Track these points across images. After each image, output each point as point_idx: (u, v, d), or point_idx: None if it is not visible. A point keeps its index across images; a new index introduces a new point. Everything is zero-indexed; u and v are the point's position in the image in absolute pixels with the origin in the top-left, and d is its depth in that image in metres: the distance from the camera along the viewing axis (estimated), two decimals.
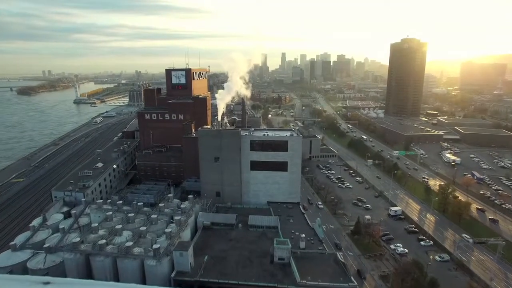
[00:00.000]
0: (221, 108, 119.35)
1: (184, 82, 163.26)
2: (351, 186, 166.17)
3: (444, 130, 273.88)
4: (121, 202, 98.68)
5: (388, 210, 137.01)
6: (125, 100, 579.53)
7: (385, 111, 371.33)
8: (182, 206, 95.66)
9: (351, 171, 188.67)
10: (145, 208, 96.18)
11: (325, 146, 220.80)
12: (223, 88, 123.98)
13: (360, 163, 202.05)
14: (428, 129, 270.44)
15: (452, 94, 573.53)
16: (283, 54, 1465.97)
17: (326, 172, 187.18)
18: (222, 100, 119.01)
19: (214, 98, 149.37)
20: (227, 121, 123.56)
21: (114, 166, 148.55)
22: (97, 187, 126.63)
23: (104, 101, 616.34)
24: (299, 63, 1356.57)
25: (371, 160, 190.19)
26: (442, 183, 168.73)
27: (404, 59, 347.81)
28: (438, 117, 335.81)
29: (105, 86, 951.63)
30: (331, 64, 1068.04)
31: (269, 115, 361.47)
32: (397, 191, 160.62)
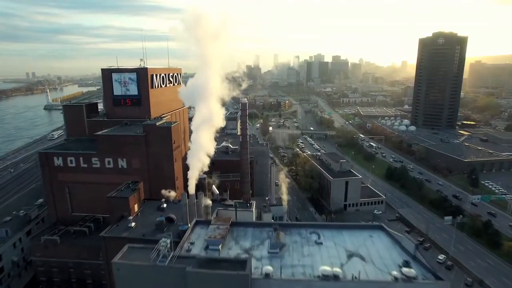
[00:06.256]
0: (193, 178, 46.31)
1: (136, 93, 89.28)
2: None
3: (508, 152, 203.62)
4: None
5: None
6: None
7: (413, 122, 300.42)
8: None
9: (420, 238, 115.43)
10: None
11: (363, 184, 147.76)
12: None
13: (423, 214, 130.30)
14: (491, 152, 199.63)
15: (469, 98, 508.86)
16: (276, 56, 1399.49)
17: None
18: (196, 163, 45.79)
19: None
20: (214, 190, 50.49)
21: None
22: None
23: None
24: (291, 64, 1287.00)
25: (449, 217, 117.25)
26: None
27: (439, 57, 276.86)
28: (484, 130, 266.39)
29: (87, 89, 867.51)
30: (329, 65, 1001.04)
31: (270, 128, 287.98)
32: None
